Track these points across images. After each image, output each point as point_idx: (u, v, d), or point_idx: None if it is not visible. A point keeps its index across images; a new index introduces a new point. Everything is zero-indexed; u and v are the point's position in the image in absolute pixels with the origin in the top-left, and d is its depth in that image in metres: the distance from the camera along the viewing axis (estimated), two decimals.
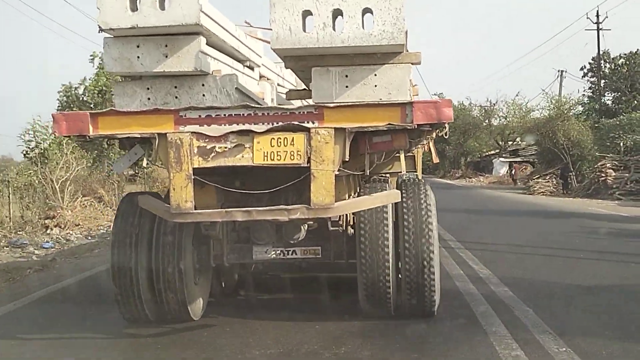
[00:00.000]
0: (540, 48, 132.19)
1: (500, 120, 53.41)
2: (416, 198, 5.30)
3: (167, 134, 4.59)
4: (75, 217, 14.51)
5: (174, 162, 4.58)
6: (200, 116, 4.63)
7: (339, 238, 5.58)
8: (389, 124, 4.58)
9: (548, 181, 31.18)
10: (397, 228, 5.27)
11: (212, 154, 4.58)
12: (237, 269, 6.38)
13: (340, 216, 5.26)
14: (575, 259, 9.28)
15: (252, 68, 6.13)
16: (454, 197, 26.31)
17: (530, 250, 9.80)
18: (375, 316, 5.49)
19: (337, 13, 4.61)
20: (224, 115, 4.62)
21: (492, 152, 55.94)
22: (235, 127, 4.59)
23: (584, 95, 41.82)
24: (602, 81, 39.51)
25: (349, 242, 5.56)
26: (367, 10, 4.59)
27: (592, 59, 41.60)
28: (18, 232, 13.08)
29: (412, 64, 5.03)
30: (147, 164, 5.68)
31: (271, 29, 4.71)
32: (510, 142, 52.65)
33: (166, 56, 4.85)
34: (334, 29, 4.64)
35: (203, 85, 5.03)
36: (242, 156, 4.58)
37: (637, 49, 39.38)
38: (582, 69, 43.45)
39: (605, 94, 40.20)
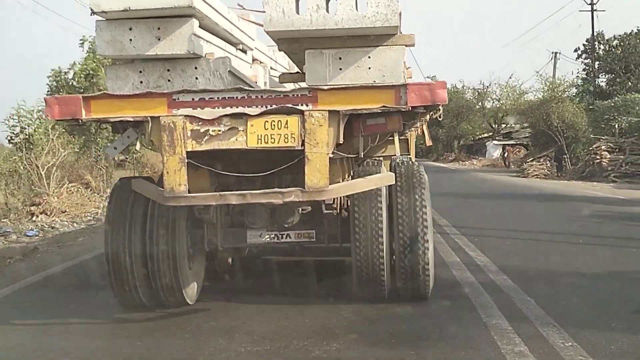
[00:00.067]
0: (534, 29, 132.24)
1: (493, 103, 53.66)
2: (410, 180, 5.39)
3: (160, 118, 4.63)
4: (62, 204, 14.38)
5: (168, 145, 4.62)
6: (193, 99, 4.67)
7: (333, 221, 5.67)
8: (383, 107, 4.65)
9: (542, 164, 31.34)
10: (391, 211, 5.37)
11: (206, 137, 4.63)
12: (230, 253, 6.46)
13: (334, 199, 5.34)
14: (574, 244, 9.19)
15: (244, 51, 6.18)
16: (448, 180, 26.25)
17: (527, 236, 9.75)
18: (369, 299, 5.56)
19: None
20: (218, 98, 4.67)
21: (486, 135, 56.16)
22: (228, 110, 4.63)
23: (577, 77, 42.02)
24: (597, 63, 39.67)
25: (343, 225, 5.65)
26: None
27: (586, 41, 41.77)
28: (2, 220, 12.98)
29: (406, 46, 5.10)
30: (140, 147, 5.74)
31: (264, 12, 4.77)
32: (503, 125, 52.85)
33: (159, 39, 4.89)
34: (327, 11, 4.70)
35: (196, 68, 5.08)
36: (236, 139, 4.63)
37: (632, 30, 39.55)
38: (576, 50, 43.61)
39: (600, 76, 40.38)
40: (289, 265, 7.30)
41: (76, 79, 17.08)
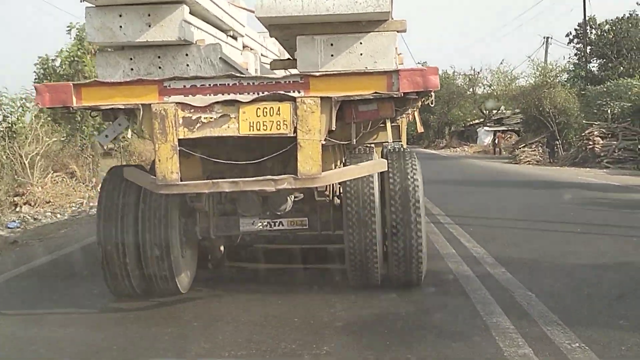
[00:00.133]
0: (525, 14, 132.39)
1: (484, 88, 53.83)
2: (402, 167, 5.47)
3: (152, 105, 4.66)
4: (46, 194, 14.27)
5: (159, 133, 4.65)
6: (184, 86, 4.71)
7: (325, 208, 5.76)
8: (376, 93, 4.71)
9: (534, 150, 31.63)
10: (384, 197, 5.45)
11: (198, 125, 4.67)
12: (223, 242, 6.54)
13: (326, 186, 5.43)
14: (573, 234, 9.01)
15: (235, 38, 6.22)
16: (440, 167, 26.21)
17: (524, 225, 9.60)
18: (362, 287, 5.63)
19: None
20: (209, 85, 4.71)
21: (477, 121, 56.40)
22: (220, 97, 4.67)
23: (569, 62, 42.20)
24: (588, 47, 39.84)
25: (335, 213, 5.75)
26: None
27: (578, 25, 41.92)
28: None
29: (397, 31, 5.16)
30: (130, 136, 5.78)
31: None
32: (495, 111, 53.07)
33: (149, 25, 4.93)
34: None
35: (187, 55, 5.13)
36: (228, 126, 4.67)
37: (624, 14, 39.70)
38: (567, 35, 43.75)
39: (591, 61, 40.58)
40: (280, 254, 7.39)
41: (63, 67, 17.00)
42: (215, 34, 5.69)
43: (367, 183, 5.34)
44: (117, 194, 5.44)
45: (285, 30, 5.17)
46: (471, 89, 56.04)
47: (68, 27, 17.12)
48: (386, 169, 5.37)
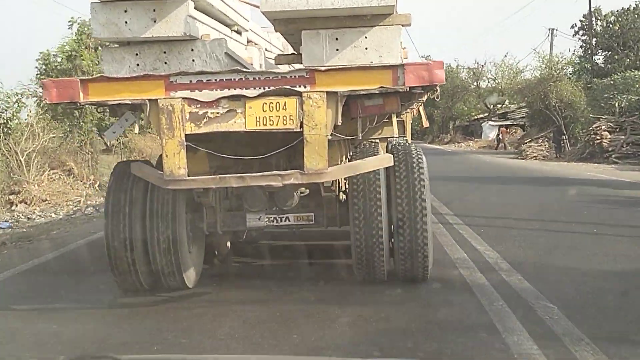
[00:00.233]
0: (530, 5, 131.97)
1: (489, 82, 53.88)
2: (408, 162, 5.56)
3: (158, 100, 4.76)
4: (42, 192, 14.30)
5: (166, 128, 4.75)
6: (191, 81, 4.82)
7: (331, 204, 5.88)
8: (381, 87, 4.80)
9: (540, 145, 31.60)
10: (390, 192, 5.55)
11: (205, 120, 4.77)
12: (229, 237, 6.66)
13: (333, 181, 5.54)
14: (589, 235, 8.64)
15: (239, 33, 6.33)
16: (446, 163, 26.12)
17: (537, 225, 9.27)
18: (368, 282, 5.74)
19: None
20: (215, 80, 4.82)
21: (481, 115, 56.46)
22: (226, 92, 4.77)
23: (574, 54, 42.18)
24: (594, 39, 39.82)
25: (341, 208, 5.87)
26: None
27: (583, 17, 41.92)
28: None
29: (402, 25, 5.24)
30: (131, 132, 5.89)
31: None
32: (499, 105, 53.13)
33: (154, 21, 5.04)
34: None
35: (192, 50, 5.23)
36: (235, 121, 4.77)
37: (630, 5, 39.60)
38: (573, 27, 43.75)
39: (597, 53, 40.55)
40: (286, 249, 7.51)
41: (61, 61, 17.12)
42: (220, 29, 5.79)
43: (374, 178, 5.44)
44: (124, 188, 5.56)
45: (290, 24, 5.26)
46: (475, 83, 56.09)
47: (69, 21, 17.28)
48: (392, 164, 5.47)
